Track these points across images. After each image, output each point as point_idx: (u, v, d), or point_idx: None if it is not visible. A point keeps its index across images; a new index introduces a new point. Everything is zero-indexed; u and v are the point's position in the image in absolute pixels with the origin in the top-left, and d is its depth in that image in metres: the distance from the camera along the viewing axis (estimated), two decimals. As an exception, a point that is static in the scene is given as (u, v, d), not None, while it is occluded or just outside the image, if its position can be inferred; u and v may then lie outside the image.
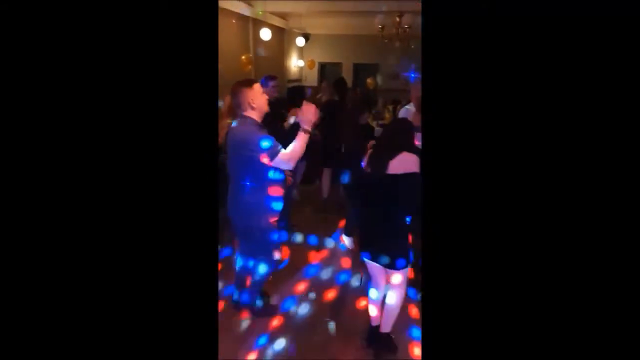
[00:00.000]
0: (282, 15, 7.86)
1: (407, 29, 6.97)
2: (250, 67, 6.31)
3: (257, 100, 1.94)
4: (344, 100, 3.77)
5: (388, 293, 1.99)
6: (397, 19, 6.74)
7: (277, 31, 7.90)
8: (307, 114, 1.94)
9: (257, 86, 1.96)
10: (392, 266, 1.87)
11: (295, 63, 9.16)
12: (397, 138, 1.83)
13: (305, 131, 1.94)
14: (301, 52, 9.36)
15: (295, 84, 8.69)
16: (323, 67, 9.73)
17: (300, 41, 7.98)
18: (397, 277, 1.92)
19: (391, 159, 1.75)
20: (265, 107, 1.99)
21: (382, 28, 6.94)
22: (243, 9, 6.17)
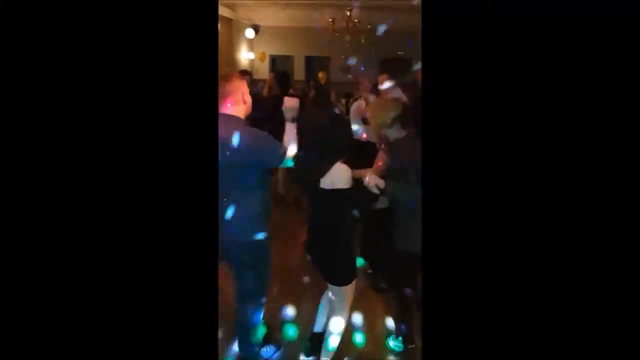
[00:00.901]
0: (230, 6, 7.58)
1: (357, 23, 7.06)
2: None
3: (247, 96, 1.66)
4: (286, 94, 3.68)
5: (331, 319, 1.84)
6: (348, 13, 6.81)
7: (225, 22, 7.61)
8: (291, 104, 1.81)
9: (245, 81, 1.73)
10: (330, 280, 1.76)
11: (245, 55, 8.90)
12: (329, 139, 1.61)
13: (293, 120, 1.77)
14: (251, 44, 9.11)
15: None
16: (274, 59, 9.57)
17: (249, 33, 7.76)
18: (337, 292, 1.77)
19: (323, 175, 1.59)
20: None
21: (333, 21, 6.96)
22: None
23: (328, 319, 1.91)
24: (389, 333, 2.22)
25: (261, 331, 1.95)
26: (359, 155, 1.95)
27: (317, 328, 2.00)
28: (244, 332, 1.87)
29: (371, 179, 1.58)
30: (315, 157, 1.63)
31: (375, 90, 3.01)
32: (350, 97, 6.38)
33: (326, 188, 1.61)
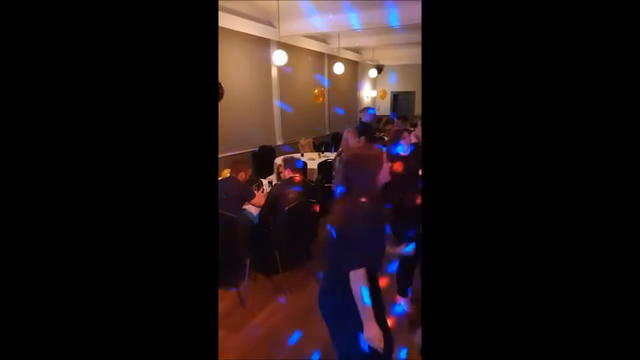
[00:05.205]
0: (356, 50, 8.25)
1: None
2: (322, 99, 6.71)
3: None
4: None
5: None
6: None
7: (351, 64, 8.27)
8: None
9: None
10: None
11: (368, 94, 9.41)
12: None
13: None
14: (374, 82, 9.60)
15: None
16: (396, 96, 9.85)
17: (372, 73, 8.23)
18: None
19: None
20: None
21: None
22: (319, 46, 6.68)
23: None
24: None
25: None
26: None
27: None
28: None
29: None
30: None
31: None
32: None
33: None
